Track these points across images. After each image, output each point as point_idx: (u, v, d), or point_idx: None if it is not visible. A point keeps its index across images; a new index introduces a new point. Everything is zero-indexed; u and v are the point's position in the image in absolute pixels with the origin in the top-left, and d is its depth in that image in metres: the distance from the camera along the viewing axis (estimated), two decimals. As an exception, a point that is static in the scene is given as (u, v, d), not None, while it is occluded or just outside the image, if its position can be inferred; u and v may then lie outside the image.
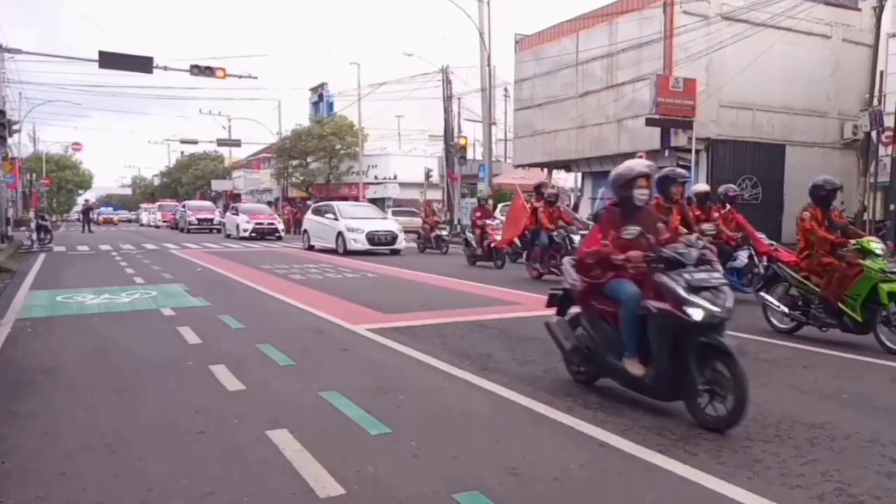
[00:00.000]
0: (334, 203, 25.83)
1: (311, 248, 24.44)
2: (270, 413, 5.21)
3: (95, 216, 70.79)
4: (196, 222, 41.92)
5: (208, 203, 51.80)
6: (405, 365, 6.93)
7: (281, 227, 33.64)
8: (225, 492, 3.80)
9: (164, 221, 56.88)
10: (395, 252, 22.62)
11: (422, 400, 5.65)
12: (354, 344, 8.01)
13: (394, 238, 22.68)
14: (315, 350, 7.69)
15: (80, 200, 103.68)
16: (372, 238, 22.23)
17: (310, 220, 25.21)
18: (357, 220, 22.96)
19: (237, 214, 34.16)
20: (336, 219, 23.14)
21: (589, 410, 5.27)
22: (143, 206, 79.73)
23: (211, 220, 42.53)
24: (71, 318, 9.82)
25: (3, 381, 6.33)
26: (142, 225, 65.56)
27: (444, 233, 24.26)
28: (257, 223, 32.76)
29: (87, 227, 43.12)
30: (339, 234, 22.56)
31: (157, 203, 69.73)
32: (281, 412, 5.24)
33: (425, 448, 4.47)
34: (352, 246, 21.96)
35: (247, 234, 32.25)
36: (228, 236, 34.32)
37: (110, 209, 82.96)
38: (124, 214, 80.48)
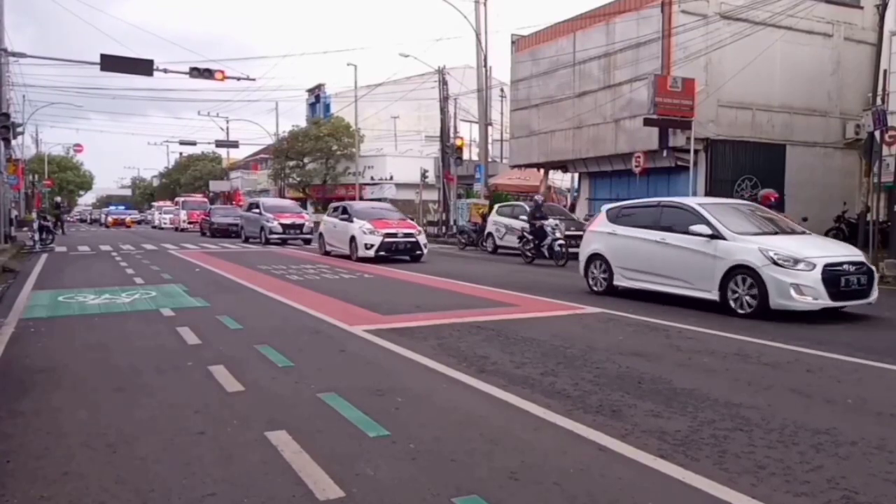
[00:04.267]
0: (692, 201, 12.55)
1: (611, 288, 12.55)
2: (269, 414, 5.22)
3: (106, 217, 67.25)
4: (280, 230, 28.88)
5: (289, 202, 36.07)
6: (402, 366, 6.93)
7: (423, 239, 20.86)
8: (225, 493, 3.81)
9: (190, 223, 45.60)
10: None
11: (420, 402, 5.64)
12: (352, 345, 8.00)
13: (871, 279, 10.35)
14: (312, 351, 7.69)
15: (81, 201, 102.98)
16: (835, 280, 9.87)
17: (612, 235, 12.60)
18: (769, 238, 10.67)
19: (349, 220, 20.96)
20: (716, 235, 10.67)
21: (588, 414, 5.25)
22: (157, 203, 68.26)
23: (301, 226, 29.43)
24: (72, 318, 9.89)
25: (7, 380, 6.40)
26: (154, 227, 55.77)
27: None
28: (388, 235, 19.97)
29: (60, 229, 38.01)
30: (746, 271, 10.21)
31: (181, 199, 55.28)
32: (279, 413, 5.25)
33: (424, 451, 4.46)
34: (794, 302, 9.79)
35: (371, 251, 19.78)
36: (328, 253, 22.28)
37: (122, 209, 74.90)
38: (136, 215, 69.79)
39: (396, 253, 20.06)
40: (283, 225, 29.06)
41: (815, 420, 5.16)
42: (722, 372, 6.70)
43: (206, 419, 5.12)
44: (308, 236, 29.09)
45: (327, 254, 22.22)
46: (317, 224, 27.46)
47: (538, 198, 21.12)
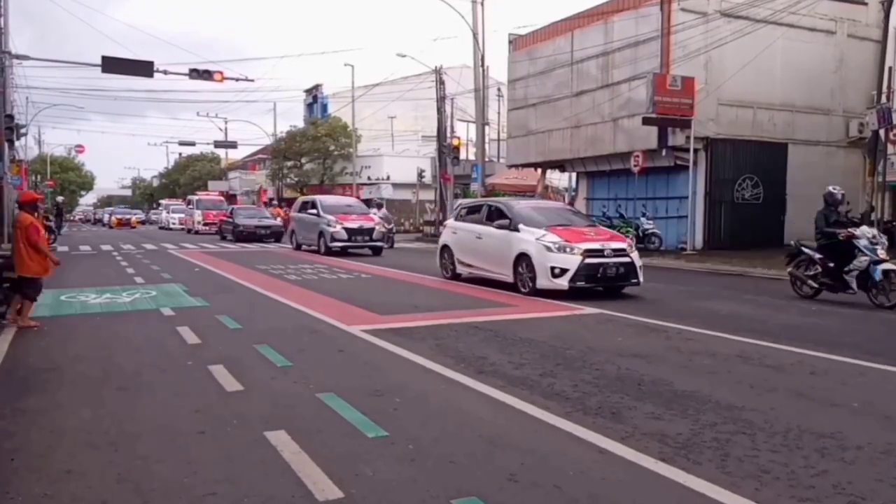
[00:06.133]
0: None
1: None
2: (268, 414, 5.23)
3: (110, 217, 65.04)
4: (345, 236, 22.53)
5: (353, 200, 29.08)
6: (401, 367, 6.92)
7: (637, 259, 12.82)
8: (225, 493, 3.83)
9: (205, 224, 40.51)
10: None
11: (418, 403, 5.63)
12: (350, 345, 8.01)
13: None
14: (311, 351, 7.70)
15: (82, 201, 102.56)
16: None
17: None
18: None
19: (510, 228, 13.14)
20: None
21: (588, 416, 5.23)
22: (164, 202, 63.49)
23: (370, 231, 23.14)
24: (74, 318, 9.96)
25: (11, 378, 6.48)
26: (161, 227, 51.64)
27: None
28: (591, 253, 12.24)
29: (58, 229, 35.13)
30: None
31: (195, 197, 47.90)
32: (279, 413, 5.26)
33: (423, 452, 4.45)
34: None
35: (563, 280, 12.08)
36: (457, 276, 14.77)
37: (126, 208, 71.28)
38: (140, 215, 66.11)
39: (604, 281, 12.25)
40: (348, 230, 22.66)
41: (820, 424, 5.10)
42: (723, 374, 6.67)
43: (207, 419, 5.14)
44: (378, 244, 23.33)
45: (456, 276, 14.69)
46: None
47: (833, 190, 12.35)
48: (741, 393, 5.92)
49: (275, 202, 45.85)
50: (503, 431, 4.88)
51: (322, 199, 26.10)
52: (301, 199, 28.04)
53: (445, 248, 15.26)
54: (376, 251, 23.25)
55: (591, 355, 7.37)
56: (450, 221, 16.00)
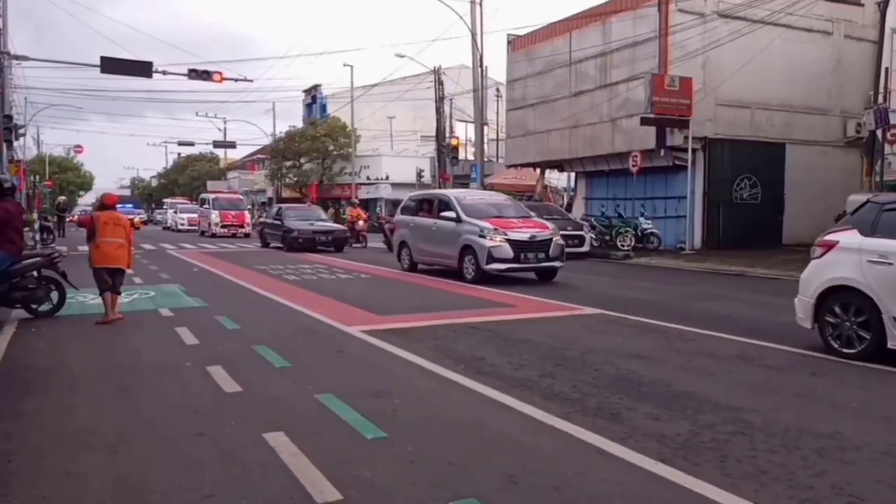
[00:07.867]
0: None
1: None
2: (267, 415, 5.22)
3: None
4: (510, 254, 14.08)
5: (499, 195, 19.94)
6: (399, 367, 6.91)
7: None
8: (224, 495, 3.83)
9: (224, 226, 35.82)
10: None
11: (417, 404, 5.62)
12: (349, 346, 8.00)
13: None
14: (310, 352, 7.69)
15: (81, 201, 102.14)
16: None
17: None
18: None
19: None
20: None
21: (587, 417, 5.22)
22: (170, 200, 60.71)
23: (545, 245, 14.55)
24: (73, 318, 9.99)
25: (9, 379, 6.47)
26: (166, 228, 48.69)
27: None
28: None
29: (61, 231, 34.54)
30: None
31: (210, 195, 41.60)
32: (277, 414, 5.25)
33: (421, 453, 4.44)
34: None
35: None
36: (888, 351, 6.86)
37: (129, 207, 63.98)
38: (143, 215, 61.98)
39: None
40: (513, 243, 14.22)
41: (819, 424, 5.09)
42: (723, 374, 6.66)
43: (205, 420, 5.14)
44: (556, 264, 14.87)
45: (879, 348, 6.99)
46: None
47: None
48: (740, 393, 5.92)
49: (355, 201, 36.25)
50: (502, 432, 4.88)
51: (458, 194, 16.80)
52: (416, 195, 19.28)
53: (844, 292, 7.30)
54: (549, 274, 15.05)
55: (590, 356, 7.36)
56: (846, 238, 7.47)
